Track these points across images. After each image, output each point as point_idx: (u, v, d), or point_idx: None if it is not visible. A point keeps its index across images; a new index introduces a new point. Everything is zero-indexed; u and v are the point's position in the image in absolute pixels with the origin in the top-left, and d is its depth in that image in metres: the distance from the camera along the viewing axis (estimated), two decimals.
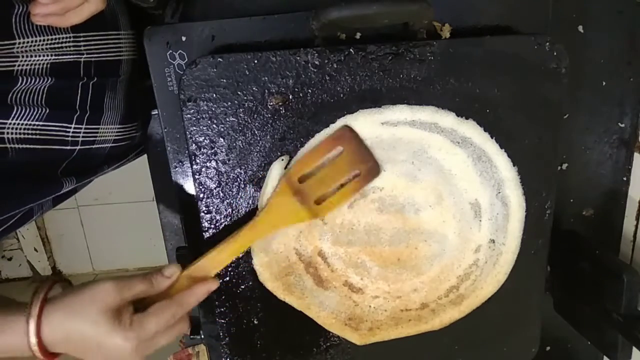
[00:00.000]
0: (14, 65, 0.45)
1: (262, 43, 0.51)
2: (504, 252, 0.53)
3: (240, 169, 0.50)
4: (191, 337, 0.63)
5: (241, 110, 0.48)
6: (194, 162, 0.50)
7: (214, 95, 0.48)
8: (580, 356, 0.68)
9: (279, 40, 0.50)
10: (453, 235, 0.52)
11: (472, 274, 0.53)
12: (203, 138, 0.49)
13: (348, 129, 0.48)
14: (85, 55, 0.50)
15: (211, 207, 0.51)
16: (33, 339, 0.41)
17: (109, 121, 0.55)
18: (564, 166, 0.60)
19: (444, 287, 0.54)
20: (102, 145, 0.56)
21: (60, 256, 1.96)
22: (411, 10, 0.46)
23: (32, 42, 0.45)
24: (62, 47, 0.48)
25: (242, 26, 0.51)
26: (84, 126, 0.52)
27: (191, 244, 0.58)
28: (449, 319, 0.55)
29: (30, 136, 0.48)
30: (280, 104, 0.48)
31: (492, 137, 0.49)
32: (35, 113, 0.47)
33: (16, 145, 0.47)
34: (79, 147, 0.53)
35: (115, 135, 0.57)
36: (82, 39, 0.49)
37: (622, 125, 0.59)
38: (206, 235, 0.52)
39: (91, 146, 0.54)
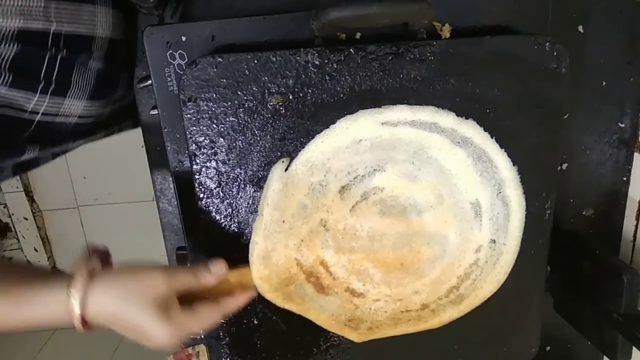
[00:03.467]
0: None
1: (262, 43, 0.51)
2: (504, 252, 0.53)
3: (240, 169, 0.50)
4: (191, 337, 0.63)
5: (241, 110, 0.48)
6: (194, 162, 0.50)
7: (214, 95, 0.48)
8: (580, 356, 0.68)
9: (279, 40, 0.50)
10: (454, 236, 0.52)
11: (472, 273, 0.53)
12: (203, 138, 0.49)
13: None
14: (55, 25, 0.49)
15: (211, 207, 0.51)
16: (77, 315, 0.43)
17: (75, 96, 0.54)
18: (564, 166, 0.60)
19: (445, 287, 0.54)
20: (66, 120, 0.55)
21: (60, 256, 1.96)
22: (411, 10, 0.46)
23: None
24: (30, 12, 0.46)
25: (242, 26, 0.51)
26: (47, 97, 0.51)
27: (191, 244, 0.58)
28: (449, 318, 0.55)
29: None
30: (280, 104, 0.48)
31: (492, 137, 0.49)
32: None
33: None
34: (38, 117, 0.51)
35: (82, 111, 0.56)
36: (53, 6, 0.48)
37: (622, 125, 0.59)
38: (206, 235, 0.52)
39: (54, 118, 0.53)
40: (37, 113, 0.51)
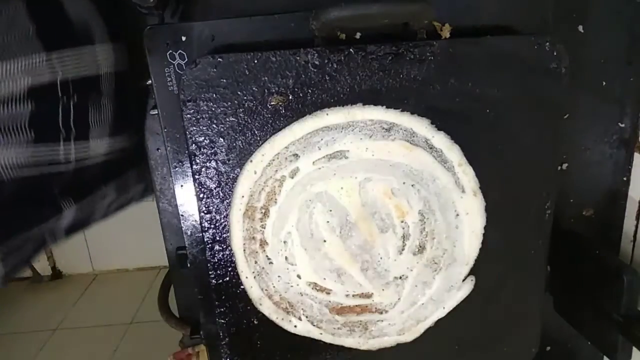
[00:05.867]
0: None
1: (262, 43, 0.51)
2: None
3: (240, 169, 0.50)
4: (191, 337, 0.63)
5: (241, 110, 0.48)
6: (194, 162, 0.50)
7: (214, 95, 0.48)
8: (580, 356, 0.68)
9: (279, 40, 0.50)
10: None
11: None
12: (203, 138, 0.49)
13: None
14: (61, 74, 0.50)
15: (211, 207, 0.51)
16: None
17: (98, 135, 0.55)
18: (564, 166, 0.60)
19: None
20: (96, 159, 0.56)
21: (60, 256, 1.96)
22: (411, 10, 0.46)
23: (5, 68, 0.45)
24: (35, 69, 0.48)
25: (242, 26, 0.51)
26: (72, 144, 0.52)
27: (191, 244, 0.58)
28: None
29: (21, 161, 0.48)
30: (280, 104, 0.48)
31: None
32: (22, 138, 0.48)
33: (9, 172, 0.48)
34: (73, 164, 0.53)
35: (107, 149, 0.57)
36: (55, 56, 0.49)
37: (622, 125, 0.59)
38: (206, 235, 0.52)
39: (85, 161, 0.54)
40: (71, 160, 0.52)
